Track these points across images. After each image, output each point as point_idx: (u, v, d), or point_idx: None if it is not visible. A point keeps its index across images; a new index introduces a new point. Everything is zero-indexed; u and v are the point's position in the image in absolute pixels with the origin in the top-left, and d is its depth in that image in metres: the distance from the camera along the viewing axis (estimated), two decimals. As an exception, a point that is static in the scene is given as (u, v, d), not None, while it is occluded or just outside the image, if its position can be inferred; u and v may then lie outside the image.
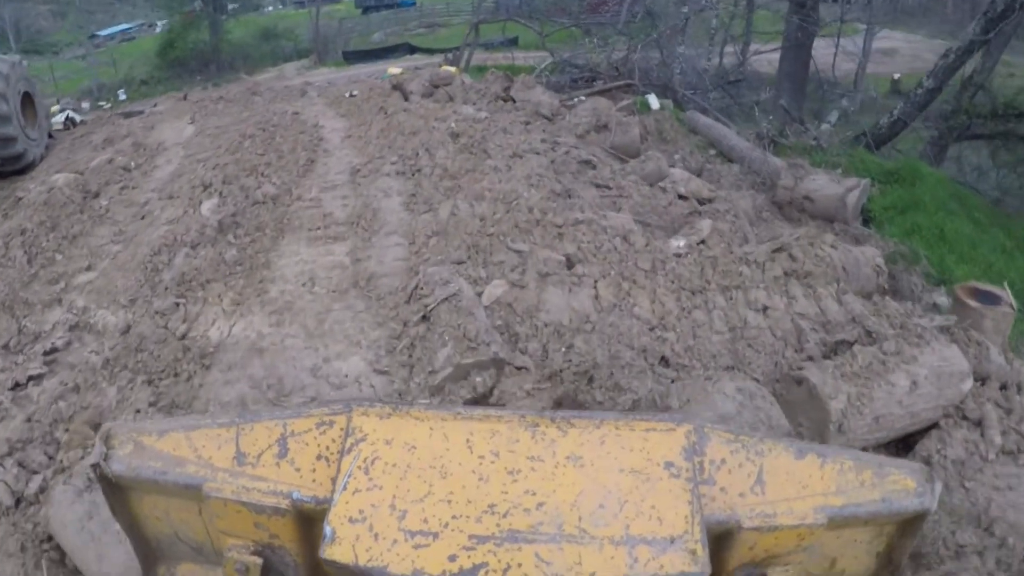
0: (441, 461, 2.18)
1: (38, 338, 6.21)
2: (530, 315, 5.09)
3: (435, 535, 2.04)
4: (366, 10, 52.53)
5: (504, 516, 2.08)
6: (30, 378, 5.65)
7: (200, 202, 7.58)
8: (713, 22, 22.62)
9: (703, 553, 2.03)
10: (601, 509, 2.09)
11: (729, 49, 22.90)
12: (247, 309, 5.84)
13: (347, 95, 14.27)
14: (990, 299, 5.83)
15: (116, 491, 2.37)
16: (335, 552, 2.02)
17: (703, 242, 6.15)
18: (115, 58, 38.45)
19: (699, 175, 10.63)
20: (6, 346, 6.10)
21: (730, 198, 8.68)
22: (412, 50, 34.84)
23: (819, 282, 5.64)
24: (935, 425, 4.80)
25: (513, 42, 29.65)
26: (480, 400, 4.45)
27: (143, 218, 8.55)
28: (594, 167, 8.28)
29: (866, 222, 9.73)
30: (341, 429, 2.27)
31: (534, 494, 2.12)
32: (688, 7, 19.28)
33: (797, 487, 2.28)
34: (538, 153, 8.57)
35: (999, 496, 4.20)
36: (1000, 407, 4.90)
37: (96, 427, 4.79)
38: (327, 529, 2.05)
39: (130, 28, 54.67)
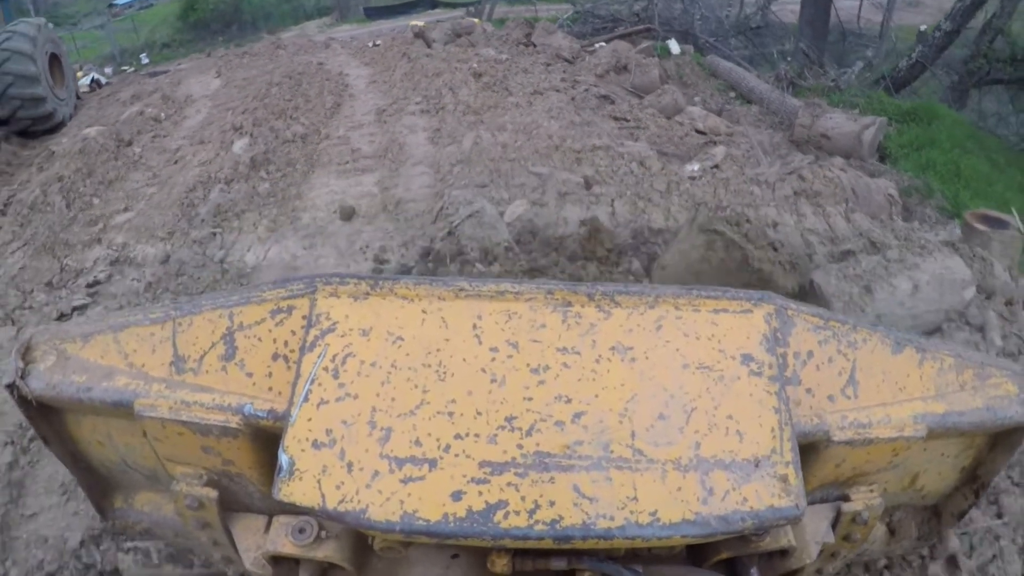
0: (439, 357, 1.68)
1: (80, 274, 6.51)
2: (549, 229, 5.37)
3: (432, 463, 1.56)
4: (389, -35, 52.08)
5: (528, 434, 1.59)
6: (74, 308, 5.97)
7: (232, 142, 7.88)
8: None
9: (797, 480, 1.59)
10: (662, 421, 1.62)
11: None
12: (281, 235, 6.15)
13: (370, 44, 14.48)
14: (999, 225, 6.03)
15: (46, 414, 1.94)
16: (293, 491, 1.54)
17: (717, 167, 6.37)
18: (136, 24, 38.59)
19: (719, 115, 10.81)
20: (49, 283, 6.40)
21: (747, 133, 8.85)
22: (433, 5, 34.64)
23: (828, 201, 5.86)
24: (938, 329, 5.03)
25: (536, -6, 29.49)
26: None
27: (176, 163, 8.85)
28: (612, 102, 8.48)
29: (882, 159, 9.84)
30: (303, 317, 1.77)
31: (569, 401, 1.63)
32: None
33: (893, 389, 1.89)
34: (558, 91, 8.79)
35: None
36: (1004, 318, 5.12)
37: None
38: (282, 459, 1.58)
39: (148, -4, 54.58)
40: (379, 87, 10.64)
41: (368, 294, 1.76)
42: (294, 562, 1.89)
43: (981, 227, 5.95)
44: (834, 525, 1.95)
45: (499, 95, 8.42)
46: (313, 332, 1.71)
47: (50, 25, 14.99)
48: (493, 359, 1.67)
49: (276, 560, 1.89)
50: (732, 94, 12.36)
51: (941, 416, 1.88)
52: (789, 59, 13.12)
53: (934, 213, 8.05)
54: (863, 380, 1.85)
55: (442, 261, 4.84)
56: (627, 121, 7.69)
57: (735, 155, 6.45)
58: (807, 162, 6.53)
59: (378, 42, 14.56)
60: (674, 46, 14.02)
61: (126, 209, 7.73)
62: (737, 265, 3.92)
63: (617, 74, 10.73)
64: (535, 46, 12.60)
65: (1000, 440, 2.11)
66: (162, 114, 11.15)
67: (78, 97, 15.64)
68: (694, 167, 6.30)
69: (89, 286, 6.17)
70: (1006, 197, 9.45)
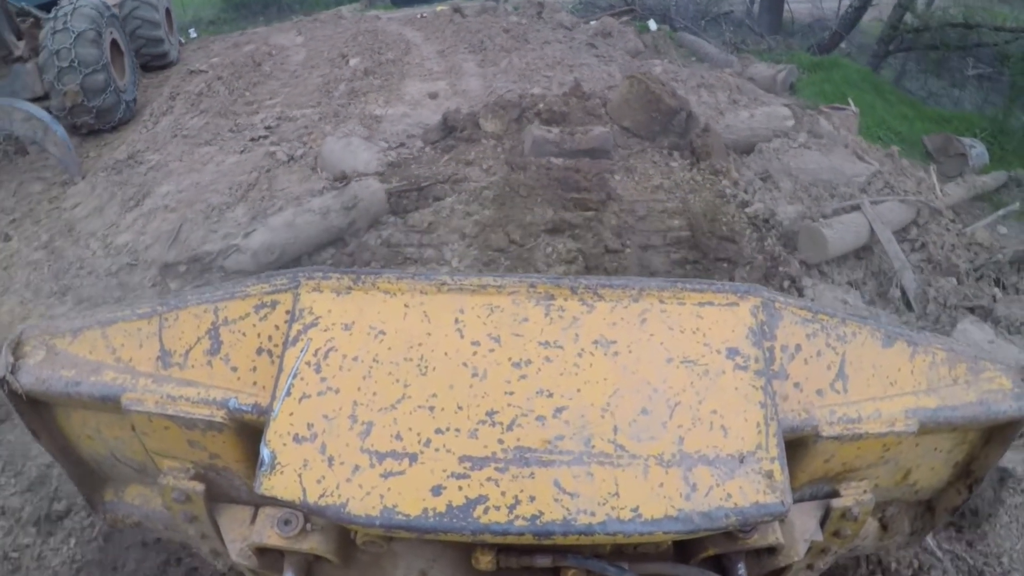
0: (420, 351, 1.69)
1: (252, 126, 9.36)
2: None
3: (412, 458, 1.57)
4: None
5: (509, 428, 1.60)
6: (259, 136, 8.94)
7: (348, 60, 12.03)
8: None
9: (782, 476, 1.60)
10: (644, 416, 1.62)
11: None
12: (394, 104, 10.28)
13: (418, 16, 18.61)
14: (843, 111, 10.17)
15: (36, 409, 1.98)
16: (275, 485, 1.57)
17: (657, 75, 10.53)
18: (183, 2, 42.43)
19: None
20: (231, 130, 9.34)
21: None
22: (453, -4, 38.73)
23: (718, 91, 10.01)
24: (769, 140, 8.91)
25: (544, -12, 33.55)
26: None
27: (297, 77, 12.64)
28: (596, 48, 12.70)
29: (792, 95, 13.88)
30: (286, 311, 1.80)
31: (551, 395, 1.64)
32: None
33: (884, 383, 1.88)
34: (560, 42, 13.01)
35: (795, 162, 8.21)
36: (824, 146, 9.06)
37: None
38: (264, 452, 1.61)
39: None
40: (434, 41, 14.77)
41: (350, 288, 1.78)
42: (279, 554, 1.92)
43: (827, 110, 10.11)
44: (824, 521, 1.98)
45: (521, 43, 12.63)
46: (296, 326, 1.74)
47: (169, -18, 18.54)
48: (475, 353, 1.69)
49: (262, 552, 1.92)
50: (693, 59, 16.55)
51: (933, 411, 1.88)
52: (732, 27, 17.32)
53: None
54: (852, 374, 1.85)
55: (491, 107, 8.98)
56: (604, 57, 11.90)
57: (669, 69, 10.62)
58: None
59: (424, 14, 18.71)
60: (652, 24, 18.12)
61: (271, 98, 11.16)
62: (644, 92, 8.01)
63: (603, 38, 14.90)
64: (544, 19, 16.78)
65: (994, 435, 2.10)
66: (272, 51, 14.99)
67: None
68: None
69: (266, 127, 9.30)
70: (885, 118, 13.18)
